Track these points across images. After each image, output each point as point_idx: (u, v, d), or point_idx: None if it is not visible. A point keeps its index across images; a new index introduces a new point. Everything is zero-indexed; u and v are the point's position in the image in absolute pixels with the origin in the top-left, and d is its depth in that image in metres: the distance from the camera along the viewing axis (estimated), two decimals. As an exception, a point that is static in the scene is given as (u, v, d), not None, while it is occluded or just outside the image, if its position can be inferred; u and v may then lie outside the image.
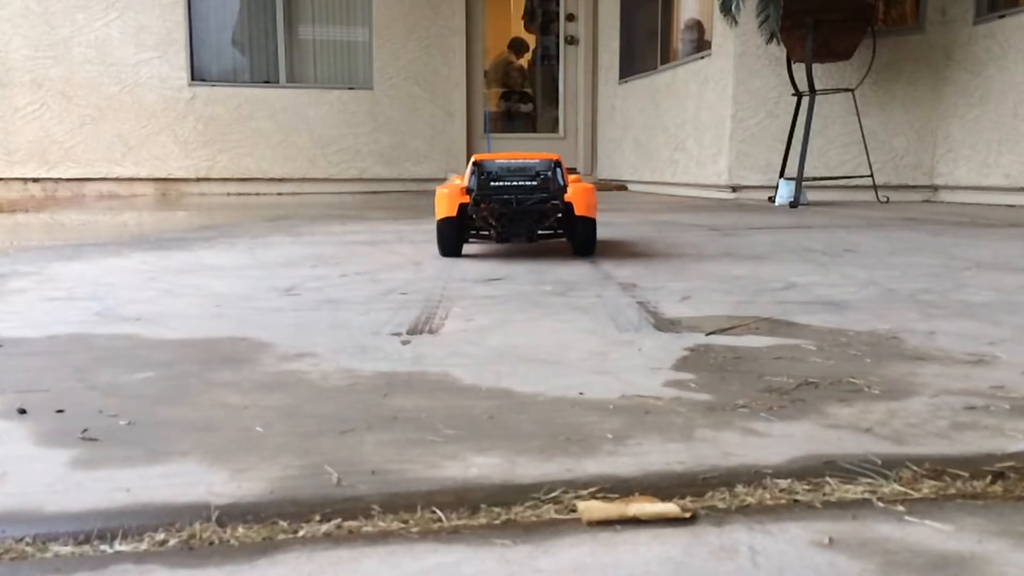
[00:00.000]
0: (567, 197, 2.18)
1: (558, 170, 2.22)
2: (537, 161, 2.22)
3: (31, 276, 1.94)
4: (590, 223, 2.23)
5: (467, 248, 2.41)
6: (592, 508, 0.63)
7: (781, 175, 4.87)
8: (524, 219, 2.17)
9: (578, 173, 7.78)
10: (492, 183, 2.18)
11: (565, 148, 7.94)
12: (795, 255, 2.30)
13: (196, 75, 7.22)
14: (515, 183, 2.17)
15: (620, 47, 7.24)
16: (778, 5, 4.51)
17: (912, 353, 1.14)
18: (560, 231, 2.31)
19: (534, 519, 0.62)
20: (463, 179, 2.25)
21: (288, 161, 7.35)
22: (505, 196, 2.15)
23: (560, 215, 2.22)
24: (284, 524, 0.61)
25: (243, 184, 7.32)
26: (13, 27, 6.97)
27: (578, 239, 2.25)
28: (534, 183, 2.18)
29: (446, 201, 2.22)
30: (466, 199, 2.18)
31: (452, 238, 2.26)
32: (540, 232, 2.24)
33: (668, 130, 6.22)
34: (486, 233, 2.29)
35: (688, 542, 0.58)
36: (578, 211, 2.19)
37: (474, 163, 2.22)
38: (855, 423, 0.83)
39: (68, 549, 0.57)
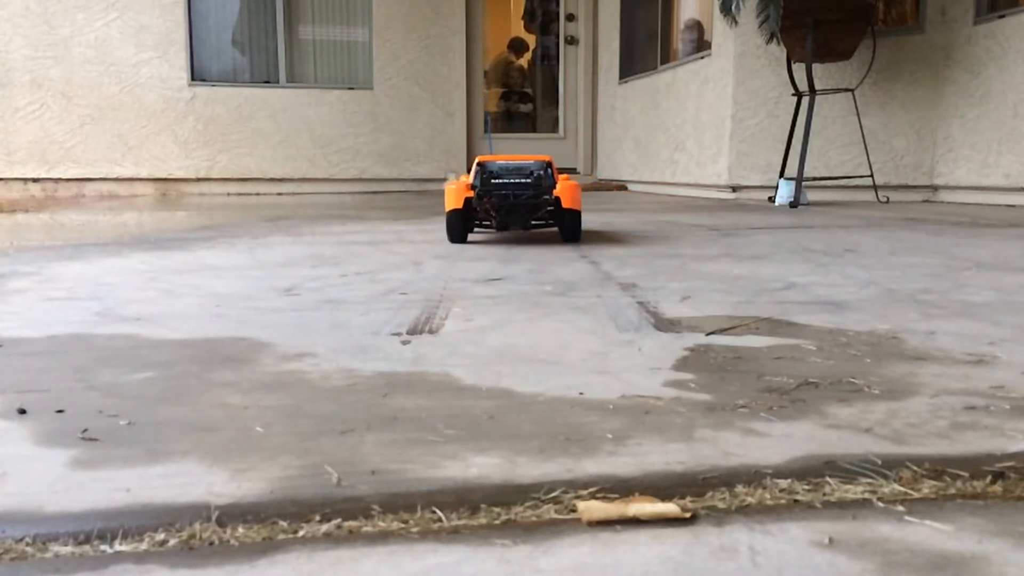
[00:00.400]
0: (556, 192, 2.56)
1: (549, 169, 2.59)
2: (532, 162, 2.60)
3: (31, 276, 1.94)
4: (576, 214, 2.61)
5: (467, 248, 2.52)
6: (592, 508, 0.63)
7: (781, 175, 4.87)
8: (520, 211, 2.54)
9: (577, 173, 7.80)
10: (493, 180, 2.54)
11: (565, 148, 7.94)
12: (795, 255, 2.30)
13: (196, 75, 7.22)
14: (512, 180, 2.54)
15: (620, 47, 7.24)
16: (778, 5, 4.51)
17: (912, 353, 1.14)
18: (551, 221, 2.66)
19: (534, 519, 0.62)
20: (469, 177, 2.60)
21: (288, 161, 7.35)
22: (504, 192, 2.52)
23: (551, 208, 2.59)
24: (284, 524, 0.61)
25: (243, 184, 7.32)
26: (13, 27, 6.97)
27: (566, 228, 2.65)
28: (528, 180, 2.54)
29: (454, 195, 2.60)
30: (471, 194, 2.56)
31: (459, 227, 2.63)
32: (533, 222, 2.61)
33: (668, 130, 6.22)
34: (488, 223, 2.64)
35: (688, 542, 0.58)
36: (565, 204, 2.57)
37: (478, 163, 2.59)
38: (855, 423, 0.83)
39: (68, 549, 0.57)
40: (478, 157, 2.65)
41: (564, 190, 2.55)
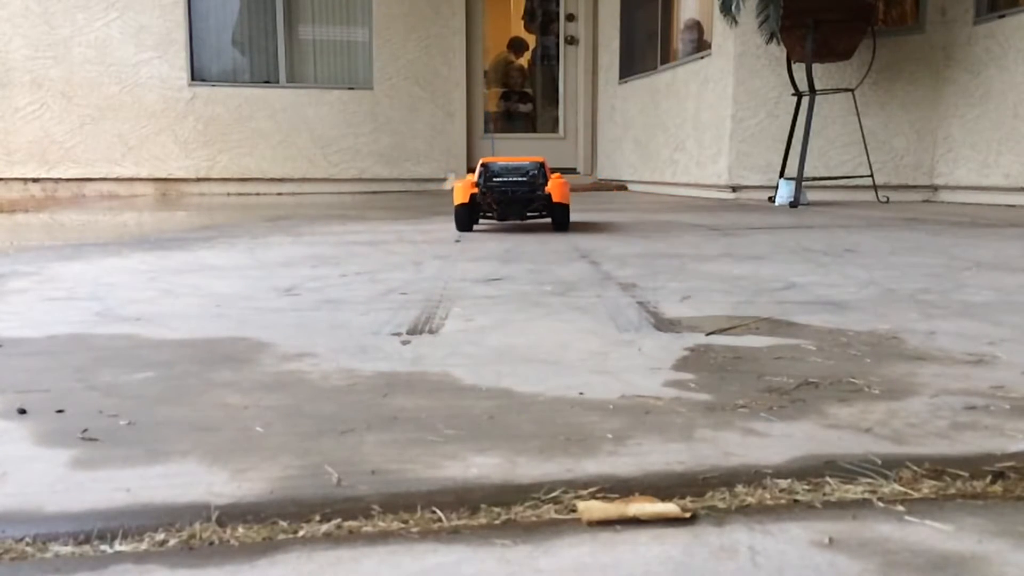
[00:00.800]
0: (547, 189, 3.01)
1: (542, 169, 3.04)
2: (527, 163, 3.04)
3: (31, 276, 1.94)
4: (564, 207, 3.06)
5: (468, 249, 2.54)
6: (592, 508, 0.63)
7: (781, 175, 4.87)
8: (517, 204, 3.02)
9: (577, 173, 7.80)
10: (494, 178, 2.99)
11: (565, 148, 7.94)
12: (795, 255, 2.30)
13: (196, 75, 7.22)
14: (511, 179, 2.99)
15: (620, 47, 7.23)
16: (778, 5, 4.51)
17: (912, 353, 1.14)
18: (544, 213, 3.10)
19: (534, 519, 0.62)
20: (474, 176, 3.04)
21: (288, 161, 7.35)
22: (503, 188, 2.98)
23: (543, 202, 3.03)
24: (284, 524, 0.61)
25: (243, 184, 7.32)
26: (13, 27, 6.97)
27: (556, 219, 3.09)
28: (524, 179, 2.99)
29: (461, 191, 3.04)
30: (475, 190, 3.01)
31: (466, 218, 3.09)
32: (529, 214, 3.08)
33: (668, 130, 6.22)
34: (491, 215, 3.10)
35: (688, 542, 0.58)
36: (555, 198, 3.02)
37: (481, 164, 3.05)
38: (855, 423, 0.83)
39: (68, 549, 0.57)
40: (481, 159, 3.10)
41: (554, 187, 3.01)
